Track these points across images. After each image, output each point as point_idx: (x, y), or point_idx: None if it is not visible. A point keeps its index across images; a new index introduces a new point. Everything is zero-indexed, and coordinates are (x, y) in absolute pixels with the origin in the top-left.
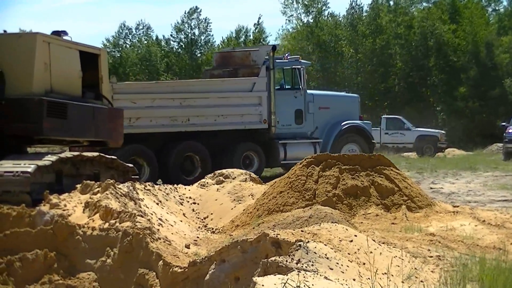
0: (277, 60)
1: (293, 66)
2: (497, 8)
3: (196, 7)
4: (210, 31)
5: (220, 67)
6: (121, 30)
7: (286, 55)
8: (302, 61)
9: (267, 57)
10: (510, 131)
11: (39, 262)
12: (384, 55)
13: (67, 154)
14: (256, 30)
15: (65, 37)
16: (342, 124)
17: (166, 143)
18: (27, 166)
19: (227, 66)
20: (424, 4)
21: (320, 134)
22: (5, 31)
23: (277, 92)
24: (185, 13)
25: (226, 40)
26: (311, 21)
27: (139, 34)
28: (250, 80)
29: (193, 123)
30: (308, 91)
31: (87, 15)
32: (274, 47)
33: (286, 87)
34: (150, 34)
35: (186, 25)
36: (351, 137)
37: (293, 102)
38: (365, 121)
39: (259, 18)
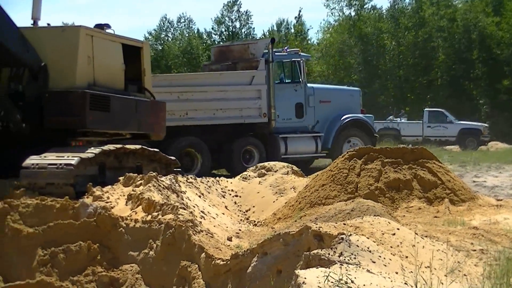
0: (276, 53)
1: (293, 59)
2: None
3: (236, 0)
4: (251, 23)
5: (218, 61)
6: (162, 23)
7: (286, 48)
8: (302, 54)
9: (266, 50)
10: None
11: (82, 254)
12: (427, 48)
13: (110, 146)
14: (297, 23)
15: (108, 30)
16: (343, 117)
17: (164, 138)
18: (71, 158)
19: (225, 60)
20: None
21: (321, 128)
22: (48, 24)
23: (276, 86)
24: (225, 6)
25: (267, 33)
26: (353, 14)
27: (181, 27)
28: (249, 74)
29: (191, 117)
30: (309, 85)
31: (129, 9)
32: (273, 40)
33: (286, 80)
34: (192, 27)
35: (227, 18)
36: (353, 131)
37: (293, 95)
38: (367, 115)
39: (300, 11)
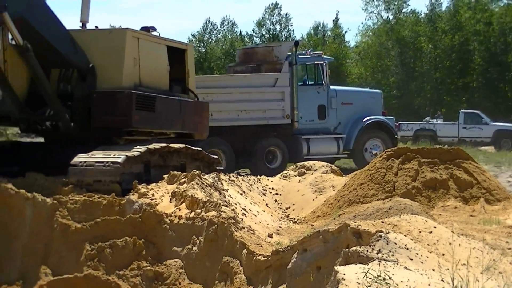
0: (299, 56)
1: (316, 62)
2: None
3: (276, 3)
4: (291, 25)
5: (243, 63)
6: (205, 26)
7: (309, 50)
8: (325, 56)
9: (290, 53)
10: None
11: (128, 249)
12: (463, 51)
13: (155, 145)
14: (334, 26)
15: (153, 33)
16: (364, 119)
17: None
18: (117, 156)
19: (250, 62)
20: (504, 1)
21: (343, 129)
22: (96, 27)
23: (299, 88)
24: (266, 9)
25: (305, 36)
26: (391, 17)
27: (224, 30)
28: (272, 76)
29: (215, 118)
30: (331, 87)
31: (174, 12)
32: (296, 43)
33: (309, 82)
34: (234, 29)
35: (268, 21)
36: (374, 133)
37: (316, 97)
38: (388, 117)
39: (337, 14)
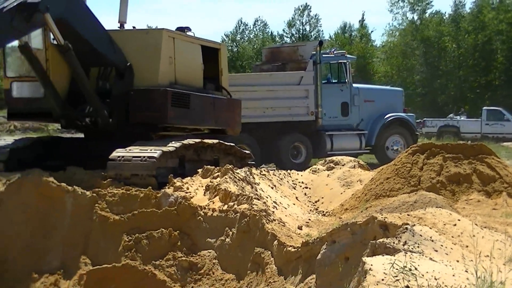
0: (323, 55)
1: (339, 61)
2: None
3: (306, 4)
4: (320, 26)
5: (269, 62)
6: (238, 26)
7: (333, 50)
8: (348, 55)
9: (314, 52)
10: None
11: (164, 240)
12: (486, 50)
13: (190, 140)
14: (361, 27)
15: (188, 33)
16: (386, 116)
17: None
18: (153, 151)
19: (275, 61)
20: None
21: (365, 126)
22: (134, 27)
23: (323, 86)
24: (296, 10)
25: (333, 37)
26: (416, 18)
27: (256, 30)
28: (297, 74)
29: (242, 115)
30: (354, 85)
31: (209, 13)
32: (321, 42)
33: (333, 80)
34: (266, 30)
35: (298, 21)
36: (395, 129)
37: (339, 95)
38: (409, 114)
39: (363, 15)
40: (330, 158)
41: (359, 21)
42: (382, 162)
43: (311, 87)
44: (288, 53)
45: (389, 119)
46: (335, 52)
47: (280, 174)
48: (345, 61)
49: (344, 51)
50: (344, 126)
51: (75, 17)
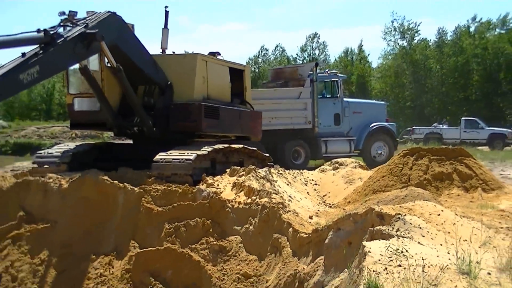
0: (319, 74)
1: (332, 79)
2: None
3: (316, 33)
4: (327, 51)
5: (274, 80)
6: (260, 51)
7: (327, 70)
8: (340, 75)
9: (311, 72)
10: None
11: (198, 228)
12: (464, 70)
13: (219, 146)
14: (360, 51)
15: (218, 57)
16: (371, 125)
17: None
18: (190, 155)
19: (279, 80)
20: (498, 30)
21: (354, 133)
22: (173, 52)
23: (319, 100)
24: (307, 37)
25: (338, 60)
26: (406, 44)
27: (275, 54)
28: (297, 90)
29: None
30: (344, 99)
31: (236, 40)
32: (316, 64)
33: (327, 95)
34: (284, 54)
35: (309, 47)
36: (379, 136)
37: (332, 107)
38: (390, 123)
39: (361, 41)
40: (335, 160)
41: (358, 46)
42: (368, 164)
43: (309, 100)
44: (289, 72)
45: (374, 127)
46: (328, 72)
47: (294, 173)
48: (337, 79)
49: (336, 71)
50: (337, 133)
51: (125, 44)
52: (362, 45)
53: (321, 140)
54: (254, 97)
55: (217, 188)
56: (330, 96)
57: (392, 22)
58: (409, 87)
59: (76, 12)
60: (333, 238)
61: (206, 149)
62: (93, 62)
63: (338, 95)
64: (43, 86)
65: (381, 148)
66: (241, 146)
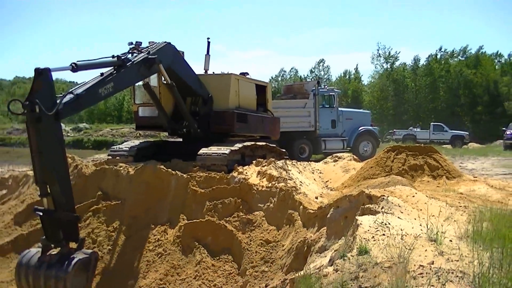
0: (320, 89)
1: (330, 93)
2: (500, 60)
3: (322, 59)
4: (330, 73)
5: (285, 94)
6: (279, 72)
7: (326, 86)
8: (336, 90)
9: (314, 88)
10: (507, 132)
11: (231, 205)
12: (433, 87)
13: (247, 143)
14: (356, 72)
15: (247, 76)
16: (359, 128)
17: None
18: (225, 150)
19: (289, 93)
20: (459, 57)
21: (346, 134)
22: (213, 72)
23: (320, 109)
24: (316, 62)
25: (338, 79)
26: (389, 67)
27: (291, 75)
28: (303, 101)
29: None
30: (339, 108)
31: (260, 64)
32: (318, 82)
33: (325, 106)
34: (297, 75)
35: (316, 69)
36: (365, 137)
37: (330, 115)
38: (374, 127)
39: (357, 65)
40: (335, 154)
41: (354, 68)
42: (358, 157)
43: (312, 109)
44: (297, 88)
45: (361, 130)
46: (327, 88)
47: (303, 164)
48: (334, 93)
49: (333, 87)
50: (333, 134)
51: (177, 66)
52: (357, 68)
53: (321, 139)
54: (273, 106)
55: (245, 175)
56: (328, 106)
57: (378, 50)
58: (391, 100)
59: (141, 42)
60: (333, 213)
61: (237, 146)
62: (153, 80)
63: (334, 106)
64: (115, 98)
65: (367, 146)
66: (264, 143)
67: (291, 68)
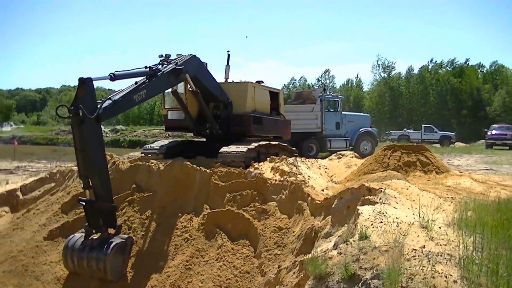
0: (326, 95)
1: (335, 99)
2: (482, 70)
3: (327, 69)
4: (335, 81)
5: (296, 99)
6: (291, 81)
7: (331, 92)
8: (340, 96)
9: (320, 94)
10: (489, 133)
11: (248, 197)
12: (424, 93)
13: (262, 142)
14: (357, 80)
15: (262, 84)
16: (360, 130)
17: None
18: (243, 148)
19: (299, 99)
20: (447, 68)
21: (349, 135)
22: (232, 81)
23: (326, 113)
24: (322, 72)
25: (342, 86)
26: (386, 75)
27: (300, 83)
28: (311, 106)
29: None
30: (343, 112)
31: (273, 72)
32: (324, 89)
33: (331, 110)
34: (306, 83)
35: (323, 78)
36: (365, 137)
37: (334, 118)
38: (373, 129)
39: (357, 74)
40: (339, 152)
41: (355, 77)
42: (360, 155)
43: (319, 113)
44: (306, 94)
45: (362, 131)
46: (332, 94)
47: (311, 161)
48: (338, 99)
49: (337, 93)
50: (337, 135)
51: (202, 75)
52: (358, 76)
53: (327, 139)
54: (284, 110)
55: (261, 171)
56: (333, 110)
57: (377, 61)
58: (388, 104)
59: (170, 55)
60: (337, 204)
61: (254, 145)
62: (180, 87)
63: (338, 110)
64: (147, 103)
65: (366, 145)
66: (277, 142)
67: (300, 77)
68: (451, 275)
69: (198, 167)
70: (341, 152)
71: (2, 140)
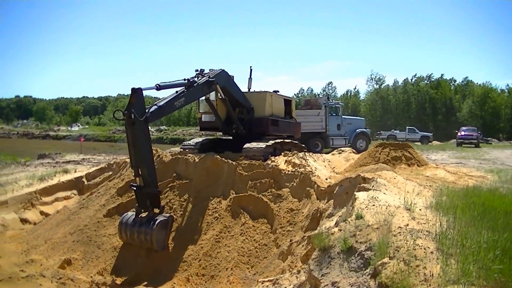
0: (329, 102)
1: (336, 105)
2: (454, 84)
3: (330, 81)
4: (336, 91)
5: (305, 106)
6: (299, 91)
7: (333, 100)
8: (340, 103)
9: (325, 101)
10: (458, 134)
11: (266, 184)
12: (407, 101)
13: (278, 140)
14: (355, 91)
15: (278, 93)
16: (357, 130)
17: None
18: (262, 145)
19: (307, 105)
20: (426, 81)
21: (347, 134)
22: (254, 90)
23: (329, 117)
24: (326, 84)
25: (342, 95)
26: (378, 87)
27: (308, 92)
28: (317, 111)
29: None
30: (343, 116)
31: (285, 85)
32: (328, 97)
33: (333, 114)
34: (313, 93)
35: (326, 89)
36: (360, 136)
37: (336, 120)
38: (367, 129)
39: (355, 86)
40: (339, 148)
41: (354, 88)
42: (357, 151)
43: (323, 117)
44: (313, 101)
45: (358, 131)
46: (334, 101)
47: (317, 155)
48: (338, 105)
49: (338, 101)
50: (338, 134)
51: (229, 86)
52: (356, 88)
53: (330, 138)
54: (296, 114)
55: (276, 163)
56: (335, 114)
57: (371, 76)
58: (379, 110)
59: (204, 69)
60: (338, 190)
61: (271, 142)
62: (212, 95)
63: (339, 114)
64: (185, 108)
65: (362, 142)
66: (289, 140)
67: (308, 88)
68: (429, 247)
69: (226, 160)
70: (341, 148)
71: (72, 138)
